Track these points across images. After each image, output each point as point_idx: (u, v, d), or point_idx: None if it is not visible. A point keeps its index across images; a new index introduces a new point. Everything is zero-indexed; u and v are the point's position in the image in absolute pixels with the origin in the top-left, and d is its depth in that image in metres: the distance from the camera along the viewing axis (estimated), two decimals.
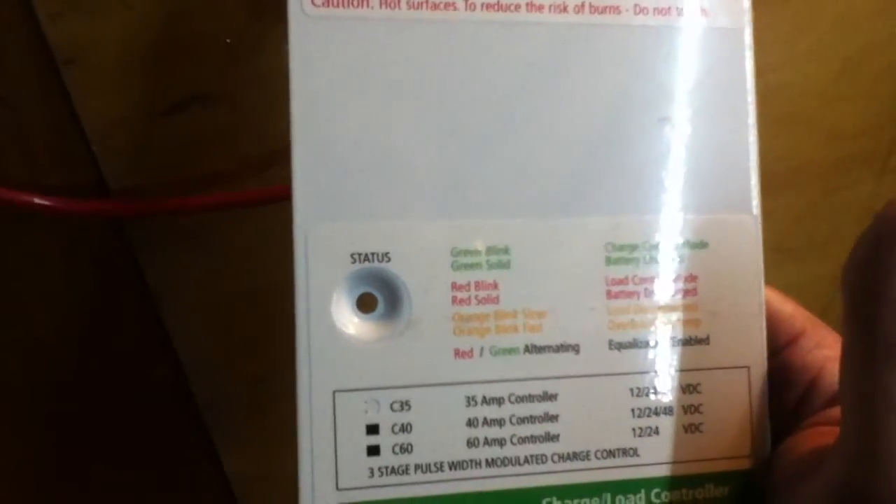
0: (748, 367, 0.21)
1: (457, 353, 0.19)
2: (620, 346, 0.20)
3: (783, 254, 0.37)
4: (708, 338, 0.20)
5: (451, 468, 0.19)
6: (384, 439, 0.19)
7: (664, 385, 0.20)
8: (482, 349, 0.19)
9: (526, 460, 0.20)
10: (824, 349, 0.21)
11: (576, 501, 0.20)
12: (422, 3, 0.19)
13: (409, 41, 0.19)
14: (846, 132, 0.36)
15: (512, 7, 0.20)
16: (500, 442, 0.19)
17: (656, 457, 0.20)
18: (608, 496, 0.20)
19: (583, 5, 0.20)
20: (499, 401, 0.19)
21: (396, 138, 0.19)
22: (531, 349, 0.20)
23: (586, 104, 0.20)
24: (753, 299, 0.21)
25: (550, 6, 0.20)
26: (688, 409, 0.20)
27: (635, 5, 0.20)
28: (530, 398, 0.20)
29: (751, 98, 0.21)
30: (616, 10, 0.20)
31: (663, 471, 0.20)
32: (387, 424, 0.19)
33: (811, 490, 0.17)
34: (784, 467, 0.19)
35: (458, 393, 0.19)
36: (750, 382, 0.20)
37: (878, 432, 0.15)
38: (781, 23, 0.32)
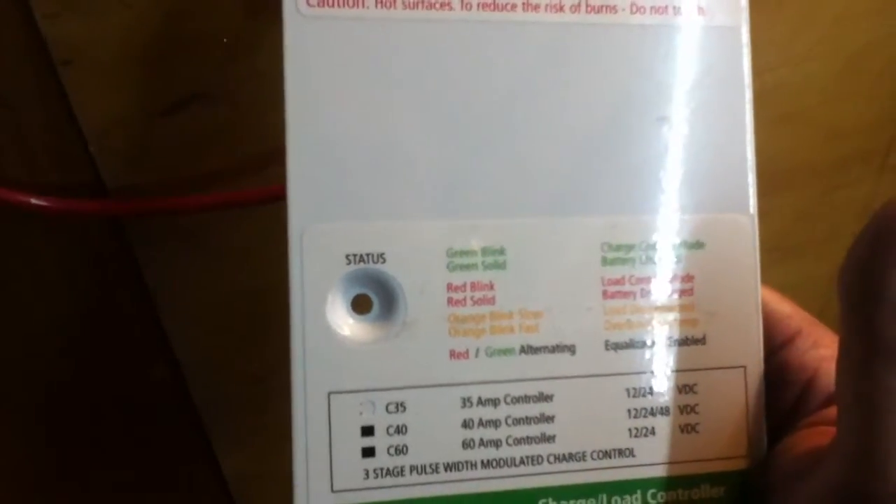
0: (745, 367, 0.20)
1: (452, 354, 0.19)
2: (617, 347, 0.20)
3: (781, 252, 0.37)
4: (704, 338, 0.20)
5: (446, 470, 0.19)
6: (379, 441, 0.19)
7: (660, 385, 0.20)
8: (478, 350, 0.19)
9: (522, 461, 0.19)
10: (821, 349, 0.21)
11: (572, 502, 0.20)
12: (417, 2, 0.19)
13: (404, 41, 0.19)
14: (845, 131, 0.36)
15: (508, 6, 0.20)
16: (496, 443, 0.19)
17: (652, 457, 0.20)
18: (604, 497, 0.20)
19: (579, 5, 0.20)
20: (494, 402, 0.19)
21: (391, 138, 0.19)
22: (527, 350, 0.20)
23: (582, 104, 0.20)
24: (750, 299, 0.21)
25: (546, 5, 0.20)
26: (684, 409, 0.20)
27: (632, 4, 0.20)
28: (526, 399, 0.20)
29: (748, 97, 0.21)
30: (613, 9, 0.20)
31: (659, 471, 0.20)
32: (382, 426, 0.19)
33: (808, 490, 0.17)
34: (781, 467, 0.19)
35: (453, 394, 0.19)
36: (746, 382, 0.20)
37: (875, 432, 0.15)
38: (780, 21, 0.32)
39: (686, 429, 0.20)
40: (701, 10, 0.21)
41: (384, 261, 0.19)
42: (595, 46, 0.20)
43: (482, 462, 0.19)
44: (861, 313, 0.15)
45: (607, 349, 0.20)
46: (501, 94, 0.20)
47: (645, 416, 0.20)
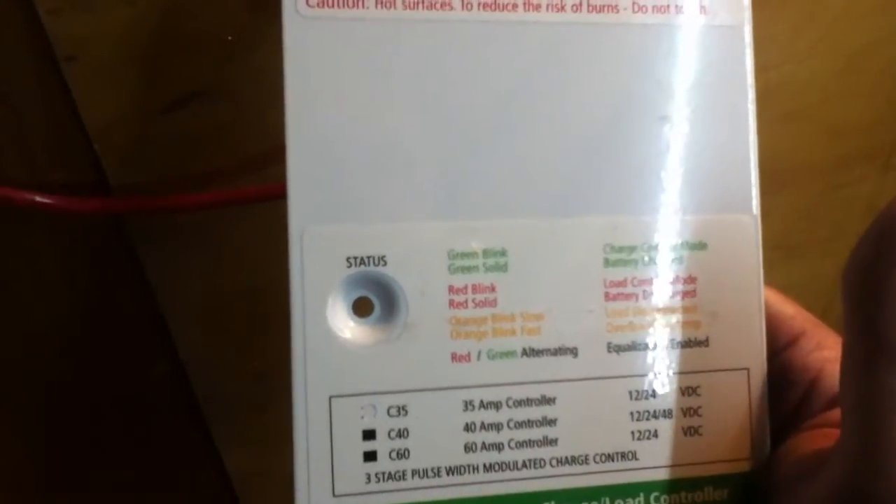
0: (748, 369, 0.20)
1: (454, 356, 0.19)
2: (619, 349, 0.20)
3: (785, 251, 0.37)
4: (707, 340, 0.20)
5: (448, 473, 0.19)
6: (381, 445, 0.19)
7: (663, 388, 0.20)
8: (479, 353, 0.19)
9: (524, 465, 0.19)
10: (825, 350, 0.21)
11: None
12: (417, 2, 0.19)
13: (404, 41, 0.19)
14: (848, 129, 0.35)
15: (509, 6, 0.20)
16: (498, 446, 0.19)
17: (655, 460, 0.20)
18: (607, 500, 0.20)
19: (580, 4, 0.20)
20: (496, 405, 0.19)
21: (392, 139, 0.19)
22: (529, 352, 0.20)
23: (584, 104, 0.20)
24: (753, 300, 0.20)
25: (548, 5, 0.20)
26: (687, 411, 0.20)
27: (634, 3, 0.20)
28: (528, 402, 0.19)
29: (751, 97, 0.21)
30: (614, 8, 0.20)
31: (662, 474, 0.20)
32: (383, 430, 0.19)
33: (812, 492, 0.17)
34: (784, 469, 0.19)
35: (455, 397, 0.19)
36: (750, 384, 0.20)
37: (879, 433, 0.15)
38: (782, 19, 0.32)
39: (689, 431, 0.20)
40: (703, 9, 0.20)
41: (385, 263, 0.19)
42: (596, 46, 0.20)
43: (484, 465, 0.19)
44: (865, 313, 0.15)
45: (610, 351, 0.20)
46: (502, 94, 0.20)
47: (648, 419, 0.20)
